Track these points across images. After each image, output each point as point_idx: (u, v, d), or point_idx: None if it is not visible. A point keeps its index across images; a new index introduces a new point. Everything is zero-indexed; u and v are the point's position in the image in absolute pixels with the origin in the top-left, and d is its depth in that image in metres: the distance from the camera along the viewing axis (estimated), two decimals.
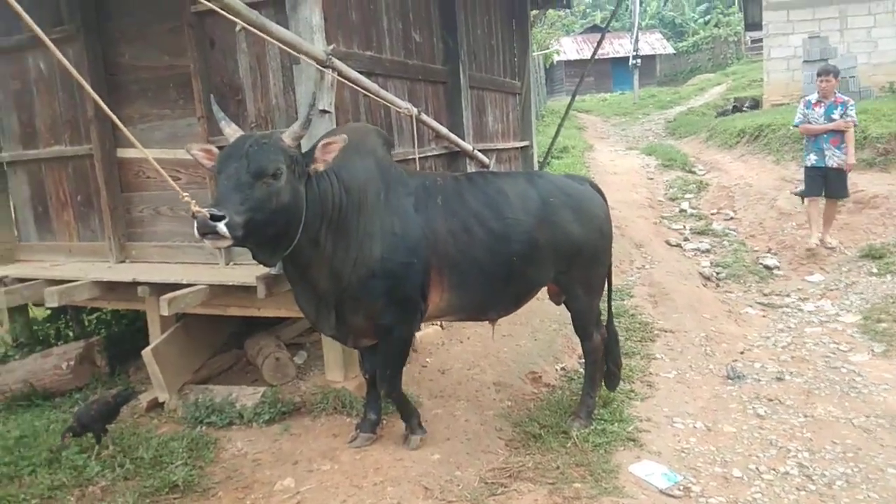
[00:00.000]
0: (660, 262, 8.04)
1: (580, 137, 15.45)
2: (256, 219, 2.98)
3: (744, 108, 17.68)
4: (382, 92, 4.96)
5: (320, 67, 4.21)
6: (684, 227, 9.69)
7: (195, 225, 2.84)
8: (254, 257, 3.39)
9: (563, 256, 3.95)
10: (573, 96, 9.20)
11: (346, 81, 4.48)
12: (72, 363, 4.97)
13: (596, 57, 9.75)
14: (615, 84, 37.08)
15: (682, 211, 10.56)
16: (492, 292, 3.90)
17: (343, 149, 3.29)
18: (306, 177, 3.23)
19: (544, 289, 4.24)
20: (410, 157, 5.46)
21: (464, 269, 3.69)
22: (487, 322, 4.17)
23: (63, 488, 3.58)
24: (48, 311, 5.98)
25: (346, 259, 3.41)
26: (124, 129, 2.89)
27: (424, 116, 5.55)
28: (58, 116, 5.41)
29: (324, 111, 4.29)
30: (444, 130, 5.91)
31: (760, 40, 18.61)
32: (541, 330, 5.74)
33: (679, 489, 3.58)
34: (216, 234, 2.86)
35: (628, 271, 7.85)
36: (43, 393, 4.87)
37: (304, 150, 3.36)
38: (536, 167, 8.95)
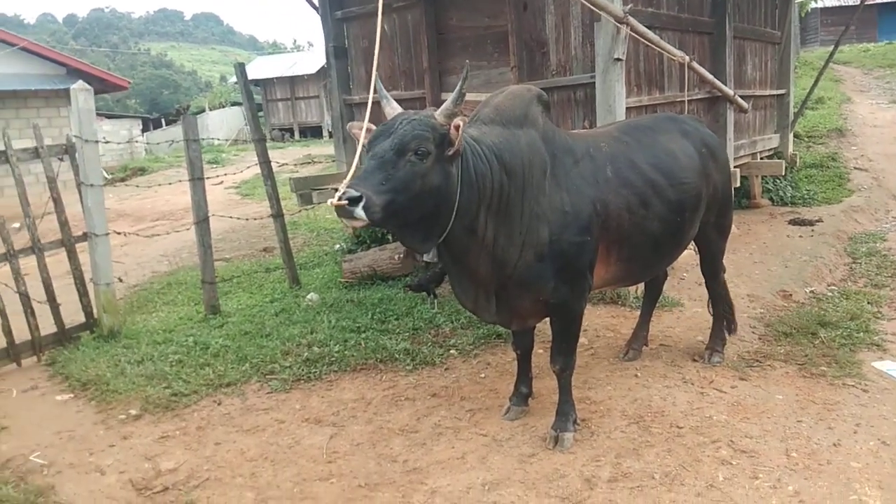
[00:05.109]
0: None
1: (836, 90, 14.68)
2: (399, 200, 2.71)
3: None
4: (662, 42, 5.82)
5: (617, 23, 5.19)
6: None
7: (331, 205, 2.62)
8: (401, 242, 3.38)
9: (710, 207, 3.98)
10: (836, 44, 9.16)
11: (635, 35, 5.42)
12: (401, 255, 6.59)
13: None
14: (881, 33, 33.06)
15: None
16: (658, 259, 3.89)
17: (504, 123, 3.19)
18: (458, 159, 2.91)
19: None
20: (679, 99, 6.29)
21: (636, 242, 3.56)
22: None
23: (421, 329, 5.10)
24: None
25: (510, 245, 3.14)
26: None
27: (694, 64, 6.31)
28: (396, 67, 6.98)
29: (617, 59, 5.30)
30: (709, 76, 6.61)
31: None
32: (791, 259, 6.35)
33: None
34: (352, 216, 2.62)
35: (883, 219, 7.99)
36: (381, 276, 6.56)
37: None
38: (791, 116, 9.17)
